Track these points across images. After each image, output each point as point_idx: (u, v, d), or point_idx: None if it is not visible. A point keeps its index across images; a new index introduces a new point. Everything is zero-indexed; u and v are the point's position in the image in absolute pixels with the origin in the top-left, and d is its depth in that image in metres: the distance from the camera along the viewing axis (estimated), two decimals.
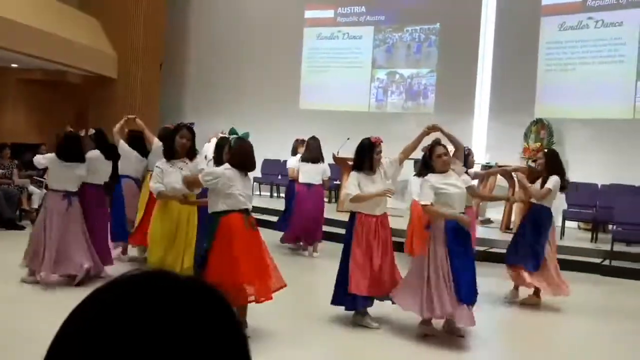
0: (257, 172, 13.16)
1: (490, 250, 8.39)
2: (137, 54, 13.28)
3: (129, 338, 0.59)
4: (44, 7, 11.33)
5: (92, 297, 0.63)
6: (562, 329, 5.85)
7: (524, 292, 6.16)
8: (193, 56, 15.00)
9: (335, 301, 5.13)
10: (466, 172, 5.48)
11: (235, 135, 4.69)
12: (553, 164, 6.12)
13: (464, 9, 12.52)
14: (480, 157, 10.88)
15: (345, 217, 9.64)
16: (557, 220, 8.96)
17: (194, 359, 0.60)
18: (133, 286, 0.64)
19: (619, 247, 8.31)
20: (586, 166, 10.73)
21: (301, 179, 8.14)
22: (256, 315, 4.64)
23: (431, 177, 4.83)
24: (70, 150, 5.80)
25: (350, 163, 11.07)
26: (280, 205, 9.93)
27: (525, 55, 11.88)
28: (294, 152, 8.88)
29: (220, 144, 6.87)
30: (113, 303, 0.62)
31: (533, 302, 6.07)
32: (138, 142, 6.98)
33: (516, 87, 11.87)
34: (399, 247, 6.98)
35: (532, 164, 10.93)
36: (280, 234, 8.55)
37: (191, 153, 5.19)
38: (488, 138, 12.11)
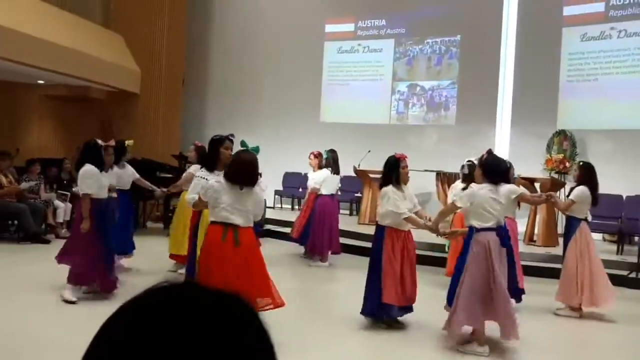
0: (278, 185, 13.23)
1: None
2: (159, 69, 13.47)
3: (160, 349, 0.60)
4: (70, 25, 11.56)
5: (125, 308, 0.65)
6: (587, 341, 5.75)
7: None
8: (214, 71, 15.16)
9: (365, 312, 5.31)
10: None
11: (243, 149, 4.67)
12: (585, 176, 6.22)
13: (485, 20, 12.50)
14: None
15: (366, 230, 9.65)
16: None
17: None
18: (164, 298, 0.65)
19: None
20: (610, 177, 10.56)
21: (324, 191, 8.20)
22: (273, 325, 4.64)
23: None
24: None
25: (372, 176, 11.13)
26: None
27: (547, 66, 11.81)
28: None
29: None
30: (145, 314, 0.63)
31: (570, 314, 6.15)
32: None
33: (538, 98, 11.79)
34: (422, 260, 6.94)
35: (555, 176, 10.86)
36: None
37: None
38: (510, 149, 12.02)
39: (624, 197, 10.38)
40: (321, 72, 14.22)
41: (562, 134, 11.51)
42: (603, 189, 10.31)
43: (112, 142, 6.69)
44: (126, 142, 7.29)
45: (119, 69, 12.71)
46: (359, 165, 11.09)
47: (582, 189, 6.13)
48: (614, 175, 10.57)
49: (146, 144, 12.24)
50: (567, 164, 11.00)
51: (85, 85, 12.52)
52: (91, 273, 5.71)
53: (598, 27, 11.47)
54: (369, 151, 10.86)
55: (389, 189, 5.25)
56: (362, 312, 5.32)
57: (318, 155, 8.56)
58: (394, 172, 5.31)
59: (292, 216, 11.53)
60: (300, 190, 13.07)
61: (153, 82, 13.40)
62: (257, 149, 4.63)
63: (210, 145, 5.37)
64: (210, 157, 5.25)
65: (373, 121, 13.45)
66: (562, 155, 11.33)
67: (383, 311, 5.24)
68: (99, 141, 6.67)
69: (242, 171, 4.41)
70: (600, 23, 11.45)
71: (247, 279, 4.33)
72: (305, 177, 13.45)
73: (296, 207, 13.19)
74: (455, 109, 12.95)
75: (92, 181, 5.66)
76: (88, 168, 5.73)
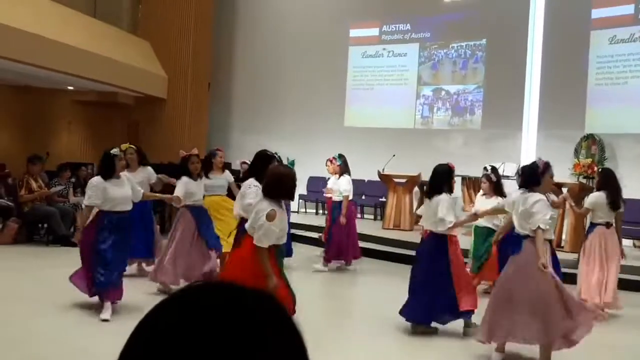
0: (302, 189, 13.25)
1: None
2: (186, 75, 13.63)
3: (196, 345, 0.61)
4: (98, 32, 11.76)
5: (162, 305, 0.66)
6: (614, 346, 5.65)
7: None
8: (240, 76, 15.28)
9: (410, 317, 5.30)
10: None
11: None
12: (604, 183, 6.27)
13: (511, 24, 12.39)
14: None
15: (390, 235, 9.63)
16: None
17: None
18: (199, 297, 0.66)
19: None
20: None
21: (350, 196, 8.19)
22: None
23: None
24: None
25: (396, 180, 11.07)
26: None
27: (575, 69, 11.65)
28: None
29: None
30: (179, 314, 0.64)
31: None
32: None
33: (566, 102, 11.64)
34: None
35: (583, 180, 10.70)
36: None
37: None
38: (537, 154, 11.87)
39: None
40: (345, 77, 14.23)
41: (590, 138, 11.34)
42: (632, 193, 10.16)
43: (195, 151, 6.51)
44: (122, 146, 6.95)
45: (146, 75, 12.89)
46: (383, 169, 11.06)
47: (596, 195, 6.23)
48: None
49: (172, 148, 12.37)
50: (596, 169, 10.83)
51: (113, 90, 12.73)
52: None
53: (627, 29, 11.28)
54: (394, 155, 10.83)
55: (446, 197, 5.24)
56: (407, 317, 5.29)
57: (334, 160, 8.58)
58: (446, 181, 5.33)
59: (316, 220, 11.56)
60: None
61: (179, 87, 13.56)
62: (292, 163, 4.63)
63: (261, 160, 5.44)
64: (261, 170, 5.40)
65: (398, 125, 13.40)
66: (591, 159, 11.15)
67: (432, 318, 5.27)
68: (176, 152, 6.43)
69: (276, 185, 4.33)
70: (630, 25, 11.26)
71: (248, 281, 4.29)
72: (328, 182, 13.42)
73: (320, 211, 13.20)
74: (481, 113, 12.85)
75: (94, 193, 5.41)
76: (93, 179, 5.55)
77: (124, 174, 5.88)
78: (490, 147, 11.92)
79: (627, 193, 10.36)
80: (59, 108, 14.00)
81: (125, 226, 5.65)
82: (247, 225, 4.25)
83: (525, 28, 12.28)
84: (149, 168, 7.18)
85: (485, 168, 6.93)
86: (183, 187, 6.24)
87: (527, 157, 11.90)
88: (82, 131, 14.36)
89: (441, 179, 5.31)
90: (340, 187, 8.08)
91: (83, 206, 5.66)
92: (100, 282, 5.39)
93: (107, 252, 5.41)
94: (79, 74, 10.86)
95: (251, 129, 14.42)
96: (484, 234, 6.75)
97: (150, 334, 0.64)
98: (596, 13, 11.65)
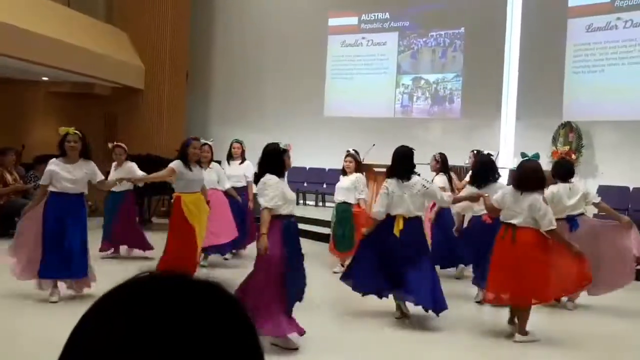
0: None
1: None
2: (163, 64, 13.46)
3: (139, 340, 0.59)
4: (73, 22, 11.56)
5: (104, 299, 0.64)
6: (593, 330, 5.73)
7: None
8: (218, 65, 15.14)
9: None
10: None
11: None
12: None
13: (489, 12, 12.43)
14: (508, 162, 10.77)
15: None
16: None
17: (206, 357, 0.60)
18: (143, 288, 0.64)
19: None
20: (617, 169, 10.56)
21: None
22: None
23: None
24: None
25: (377, 170, 11.07)
26: (315, 213, 9.90)
27: (553, 57, 11.74)
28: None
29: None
30: (124, 305, 0.62)
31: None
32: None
33: (544, 90, 11.73)
34: None
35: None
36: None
37: None
38: (516, 142, 11.98)
39: (631, 189, 10.34)
40: (325, 66, 14.18)
41: (568, 126, 11.45)
42: (609, 180, 10.32)
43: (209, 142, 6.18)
44: (60, 129, 6.31)
45: (123, 65, 12.71)
46: (363, 159, 11.04)
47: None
48: (620, 167, 10.54)
49: (150, 139, 12.28)
50: (573, 156, 10.96)
51: (89, 81, 12.54)
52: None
53: (604, 17, 11.39)
54: (374, 145, 10.82)
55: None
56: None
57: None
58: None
59: (297, 211, 11.52)
60: (305, 184, 13.07)
61: (157, 78, 13.39)
62: (536, 156, 5.28)
63: (404, 158, 5.56)
64: (409, 168, 5.54)
65: (377, 115, 13.41)
66: (568, 147, 11.27)
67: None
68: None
69: (524, 178, 5.08)
70: (606, 14, 11.36)
71: (525, 277, 4.77)
72: (309, 172, 13.46)
73: (301, 201, 13.18)
74: (460, 102, 12.90)
75: (276, 193, 4.62)
76: (268, 177, 4.66)
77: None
78: (470, 135, 11.98)
79: (603, 180, 10.57)
80: (33, 100, 13.75)
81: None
82: (524, 221, 4.84)
83: (503, 16, 12.34)
84: (92, 163, 6.42)
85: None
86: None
87: (506, 145, 12.01)
88: (57, 123, 14.06)
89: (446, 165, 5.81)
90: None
91: (264, 208, 4.60)
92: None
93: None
94: (53, 64, 10.66)
95: (230, 119, 14.31)
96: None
97: (90, 329, 0.62)
98: (573, 1, 11.75)
